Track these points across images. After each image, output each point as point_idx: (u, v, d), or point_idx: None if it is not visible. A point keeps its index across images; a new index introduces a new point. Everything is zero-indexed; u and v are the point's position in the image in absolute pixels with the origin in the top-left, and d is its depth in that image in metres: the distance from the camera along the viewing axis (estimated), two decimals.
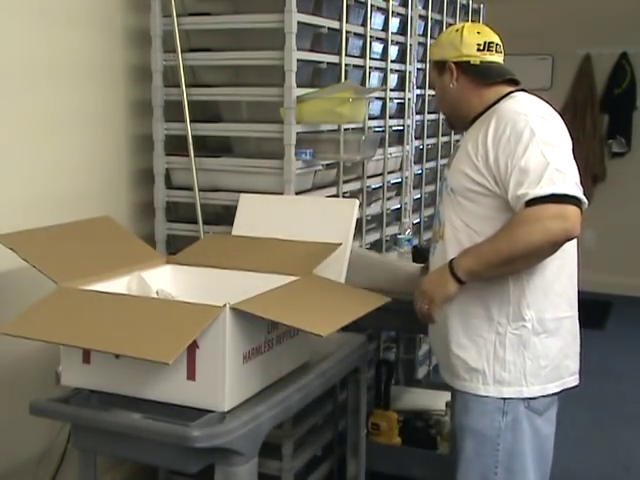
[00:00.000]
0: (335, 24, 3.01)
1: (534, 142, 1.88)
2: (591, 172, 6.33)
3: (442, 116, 2.34)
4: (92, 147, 2.86)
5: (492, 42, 2.11)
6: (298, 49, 2.73)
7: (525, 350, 2.01)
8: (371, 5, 3.27)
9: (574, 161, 1.94)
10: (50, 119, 2.66)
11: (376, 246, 3.54)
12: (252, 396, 1.90)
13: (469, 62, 2.09)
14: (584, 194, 1.87)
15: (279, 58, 2.73)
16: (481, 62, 2.09)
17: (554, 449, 2.11)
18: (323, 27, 2.94)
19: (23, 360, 2.54)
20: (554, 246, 1.89)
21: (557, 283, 2.04)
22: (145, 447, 1.83)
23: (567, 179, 1.86)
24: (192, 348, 1.76)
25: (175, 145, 2.99)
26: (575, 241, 2.01)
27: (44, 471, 2.70)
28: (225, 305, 1.76)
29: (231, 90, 2.94)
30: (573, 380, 2.13)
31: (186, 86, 2.88)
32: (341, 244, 2.31)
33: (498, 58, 2.13)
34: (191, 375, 1.79)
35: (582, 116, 6.36)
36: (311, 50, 2.89)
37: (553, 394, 2.07)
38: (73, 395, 1.91)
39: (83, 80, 2.79)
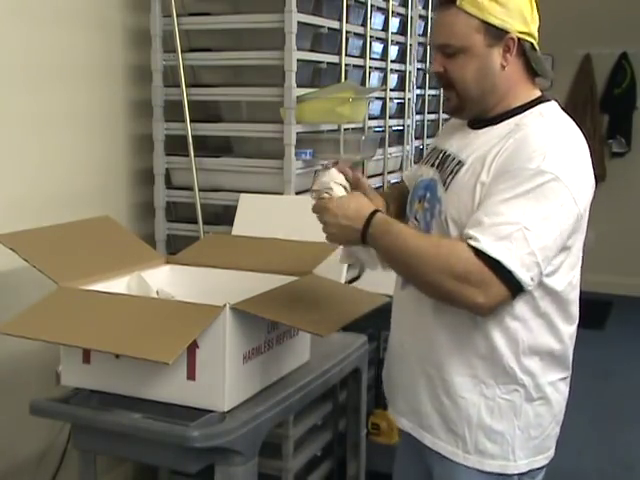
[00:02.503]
0: (335, 24, 3.01)
1: (529, 195, 1.49)
2: None
3: (445, 93, 1.72)
4: (92, 147, 2.86)
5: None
6: (298, 49, 2.73)
7: (516, 419, 1.64)
8: (371, 5, 3.27)
9: (562, 237, 1.56)
10: (50, 119, 2.66)
11: None
12: (252, 396, 1.89)
13: (532, 44, 1.62)
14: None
15: (279, 58, 2.73)
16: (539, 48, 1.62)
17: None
18: (323, 27, 2.94)
19: (23, 360, 2.54)
20: (452, 303, 1.55)
21: (562, 347, 1.70)
22: (145, 447, 1.83)
23: (528, 258, 1.48)
24: (192, 348, 1.76)
25: (175, 145, 2.99)
26: (572, 298, 1.74)
27: (44, 471, 2.70)
28: (225, 305, 1.76)
29: (231, 90, 2.94)
30: (554, 450, 1.77)
31: (186, 86, 2.88)
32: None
33: None
34: (191, 375, 1.79)
35: (582, 116, 6.35)
36: (311, 50, 2.89)
37: (540, 468, 1.72)
38: (73, 395, 1.91)
39: (83, 80, 2.78)
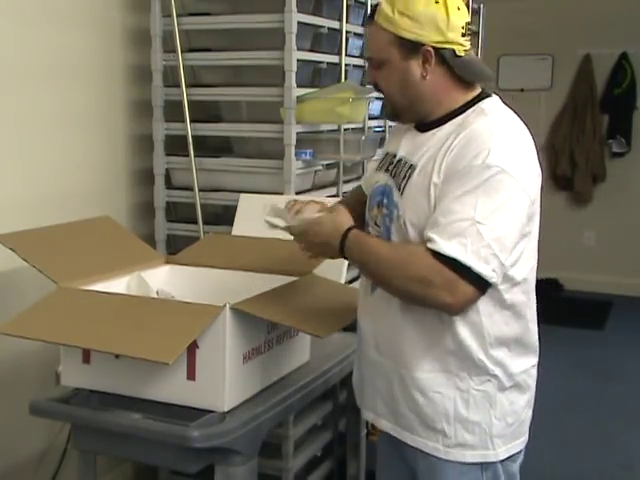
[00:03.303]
0: (335, 24, 3.01)
1: (478, 191, 1.52)
2: (591, 172, 6.34)
3: (383, 99, 1.85)
4: (92, 147, 2.86)
5: (469, 22, 1.64)
6: (298, 49, 2.73)
7: (491, 408, 1.67)
8: (371, 5, 3.27)
9: (517, 226, 1.56)
10: (50, 119, 2.66)
11: None
12: (252, 396, 1.90)
13: (454, 52, 1.61)
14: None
15: (279, 58, 2.73)
16: (465, 52, 1.63)
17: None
18: (323, 27, 2.94)
19: (23, 360, 2.54)
20: (425, 305, 1.59)
21: (526, 334, 1.72)
22: (145, 447, 1.83)
23: (485, 250, 1.50)
24: (192, 348, 1.76)
25: (175, 145, 2.99)
26: (533, 284, 1.72)
27: (44, 471, 2.70)
28: (225, 305, 1.76)
29: (231, 90, 2.94)
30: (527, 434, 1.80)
31: (186, 86, 2.88)
32: None
33: (469, 44, 1.65)
34: (191, 375, 1.79)
35: (582, 116, 6.36)
36: (311, 50, 2.89)
37: (517, 453, 1.75)
38: (73, 395, 1.91)
39: (83, 80, 2.79)
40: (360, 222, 1.80)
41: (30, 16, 2.55)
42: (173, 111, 2.95)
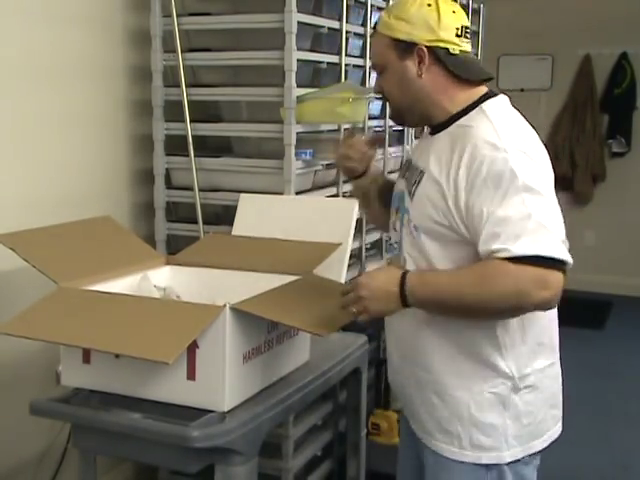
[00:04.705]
0: (335, 24, 3.01)
1: (514, 187, 1.54)
2: (591, 172, 6.34)
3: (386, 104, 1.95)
4: (92, 147, 2.86)
5: (467, 26, 1.69)
6: (298, 49, 2.73)
7: (505, 410, 1.69)
8: (371, 5, 3.27)
9: (559, 206, 1.61)
10: (50, 119, 2.66)
11: (376, 246, 3.55)
12: (252, 396, 1.90)
13: (447, 50, 1.67)
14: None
15: (279, 58, 2.73)
16: (460, 52, 1.68)
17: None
18: (323, 27, 2.94)
19: (23, 360, 2.54)
20: (522, 313, 1.61)
21: (543, 334, 1.74)
22: (145, 447, 1.83)
23: (552, 237, 1.53)
24: (192, 348, 1.76)
25: (175, 145, 2.99)
26: None
27: (44, 471, 2.71)
28: (225, 305, 1.76)
29: (231, 90, 2.95)
30: (559, 428, 1.82)
31: (186, 86, 2.88)
32: (341, 244, 2.31)
33: (469, 47, 1.72)
34: (191, 375, 1.79)
35: (582, 116, 6.36)
36: (311, 50, 2.90)
37: (538, 452, 1.76)
38: (73, 395, 1.91)
39: (83, 80, 2.79)
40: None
41: (30, 16, 2.55)
42: (173, 111, 2.95)
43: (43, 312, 1.84)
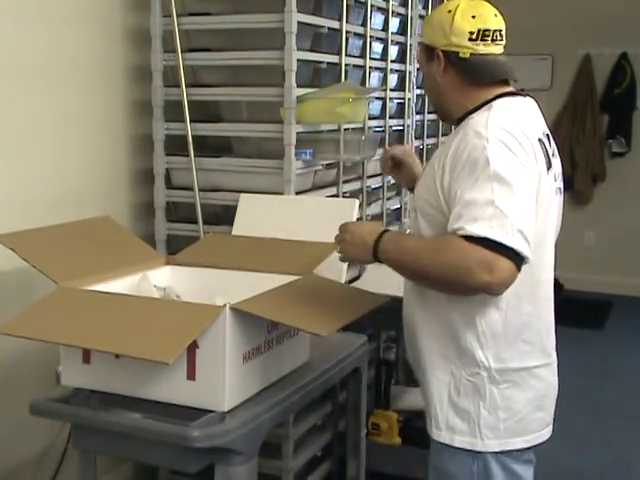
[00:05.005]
0: (335, 24, 3.01)
1: (485, 174, 1.61)
2: (591, 172, 6.34)
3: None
4: (92, 147, 2.86)
5: (488, 29, 1.77)
6: (298, 49, 2.73)
7: (480, 399, 1.75)
8: (371, 5, 3.27)
9: (531, 203, 1.66)
10: (50, 119, 2.66)
11: None
12: (252, 396, 1.89)
13: (458, 54, 1.78)
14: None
15: (279, 58, 2.73)
16: (472, 55, 1.77)
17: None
18: (323, 27, 2.94)
19: (23, 360, 2.54)
20: (467, 291, 1.65)
21: (527, 330, 1.77)
22: (145, 447, 1.83)
23: (508, 225, 1.57)
24: (192, 348, 1.76)
25: (175, 145, 2.99)
26: (550, 280, 1.82)
27: (44, 471, 2.70)
28: (225, 305, 1.76)
29: (231, 90, 2.94)
30: (547, 433, 1.85)
31: (186, 86, 2.88)
32: None
33: (494, 49, 1.80)
34: (191, 375, 1.79)
35: (582, 116, 6.36)
36: (311, 50, 2.89)
37: (517, 450, 1.79)
38: (73, 395, 1.91)
39: (83, 80, 2.79)
40: None
41: (30, 16, 2.55)
42: (173, 111, 2.95)
43: (43, 312, 1.84)
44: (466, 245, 1.57)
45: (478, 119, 1.72)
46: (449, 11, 1.78)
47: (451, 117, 1.88)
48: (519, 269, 1.59)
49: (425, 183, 1.80)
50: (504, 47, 1.85)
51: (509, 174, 1.62)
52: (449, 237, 1.62)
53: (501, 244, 1.56)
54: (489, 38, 1.77)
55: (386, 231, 1.76)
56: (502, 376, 1.75)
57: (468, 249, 1.57)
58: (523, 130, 1.71)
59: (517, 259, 1.58)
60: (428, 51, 1.84)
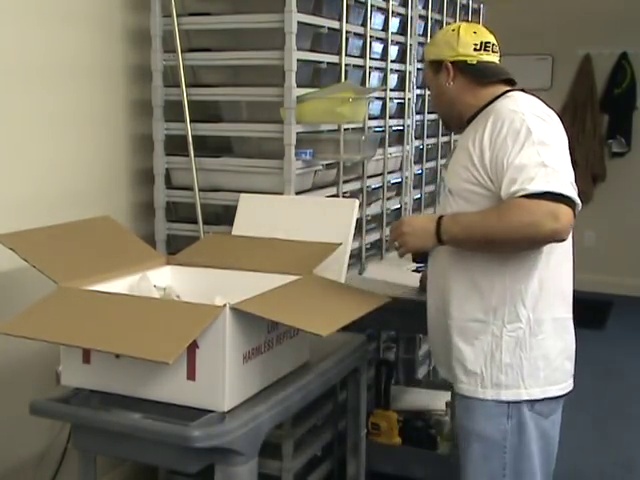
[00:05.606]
0: (335, 24, 3.01)
1: (530, 141, 1.85)
2: (591, 172, 6.34)
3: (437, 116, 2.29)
4: (92, 147, 2.86)
5: (488, 42, 2.11)
6: (298, 49, 2.73)
7: (522, 352, 1.97)
8: (371, 5, 3.27)
9: (570, 161, 1.91)
10: (50, 119, 2.66)
11: (376, 246, 3.55)
12: (252, 396, 1.90)
13: (466, 62, 2.09)
14: (580, 195, 1.86)
15: (279, 58, 2.73)
16: (478, 62, 2.09)
17: None
18: (323, 27, 2.94)
19: (23, 360, 2.54)
20: (536, 244, 1.89)
21: (556, 283, 2.01)
22: (145, 447, 1.83)
23: (562, 178, 1.82)
24: (192, 348, 1.76)
25: (175, 145, 2.99)
26: (571, 241, 1.99)
27: (44, 471, 2.70)
28: (225, 305, 1.76)
29: (231, 90, 2.94)
30: (572, 384, 2.09)
31: (186, 86, 2.88)
32: (341, 244, 2.31)
33: (494, 58, 2.13)
34: (191, 375, 1.79)
35: (582, 116, 6.36)
36: (311, 50, 2.89)
37: (555, 397, 2.03)
38: (73, 395, 1.91)
39: (83, 80, 2.79)
40: None
41: (29, 16, 2.55)
42: (173, 111, 2.95)
43: (43, 312, 1.84)
44: (529, 202, 1.79)
45: (504, 102, 1.99)
46: (453, 30, 2.12)
47: (461, 120, 2.11)
48: (575, 215, 1.81)
49: (458, 163, 2.01)
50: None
51: (548, 137, 1.87)
52: (511, 201, 1.82)
53: (560, 194, 1.78)
54: (490, 49, 2.11)
55: (442, 216, 1.99)
56: (539, 327, 1.97)
57: (532, 205, 1.79)
58: (546, 111, 1.97)
59: (573, 206, 1.81)
60: (435, 65, 2.13)
